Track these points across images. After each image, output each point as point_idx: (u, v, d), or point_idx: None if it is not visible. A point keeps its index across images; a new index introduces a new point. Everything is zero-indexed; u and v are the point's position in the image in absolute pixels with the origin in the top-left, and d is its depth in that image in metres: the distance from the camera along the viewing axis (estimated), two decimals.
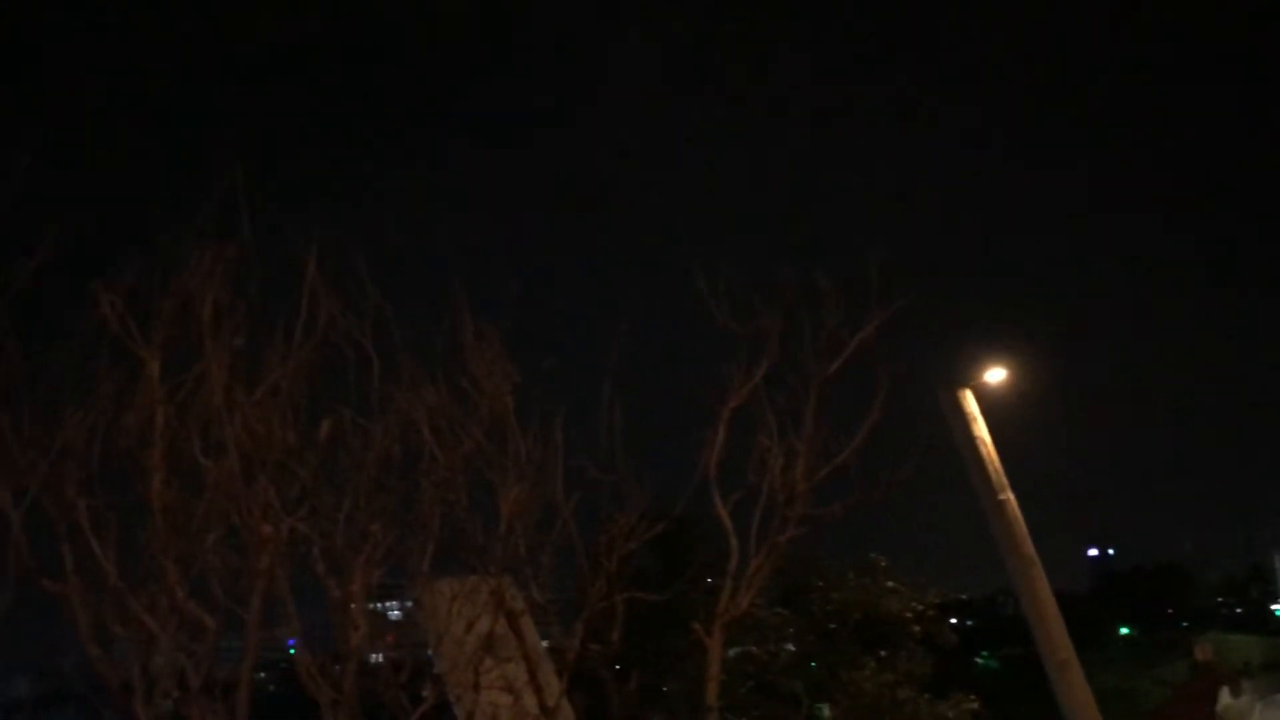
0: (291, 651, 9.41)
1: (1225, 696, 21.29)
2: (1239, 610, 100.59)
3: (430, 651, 10.72)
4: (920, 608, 25.39)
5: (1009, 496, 18.00)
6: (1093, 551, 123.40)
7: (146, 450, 7.92)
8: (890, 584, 25.16)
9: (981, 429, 18.68)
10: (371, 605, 11.01)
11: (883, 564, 25.41)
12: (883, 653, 25.43)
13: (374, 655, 9.64)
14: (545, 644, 11.00)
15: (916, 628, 25.67)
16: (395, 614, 12.58)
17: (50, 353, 8.53)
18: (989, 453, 18.38)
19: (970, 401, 18.80)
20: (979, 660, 56.95)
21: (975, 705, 24.33)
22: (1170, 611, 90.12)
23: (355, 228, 9.44)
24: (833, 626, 24.81)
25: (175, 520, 7.79)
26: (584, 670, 9.78)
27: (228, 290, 8.70)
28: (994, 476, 18.27)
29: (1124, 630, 79.95)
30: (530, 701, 11.10)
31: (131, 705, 7.93)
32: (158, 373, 8.00)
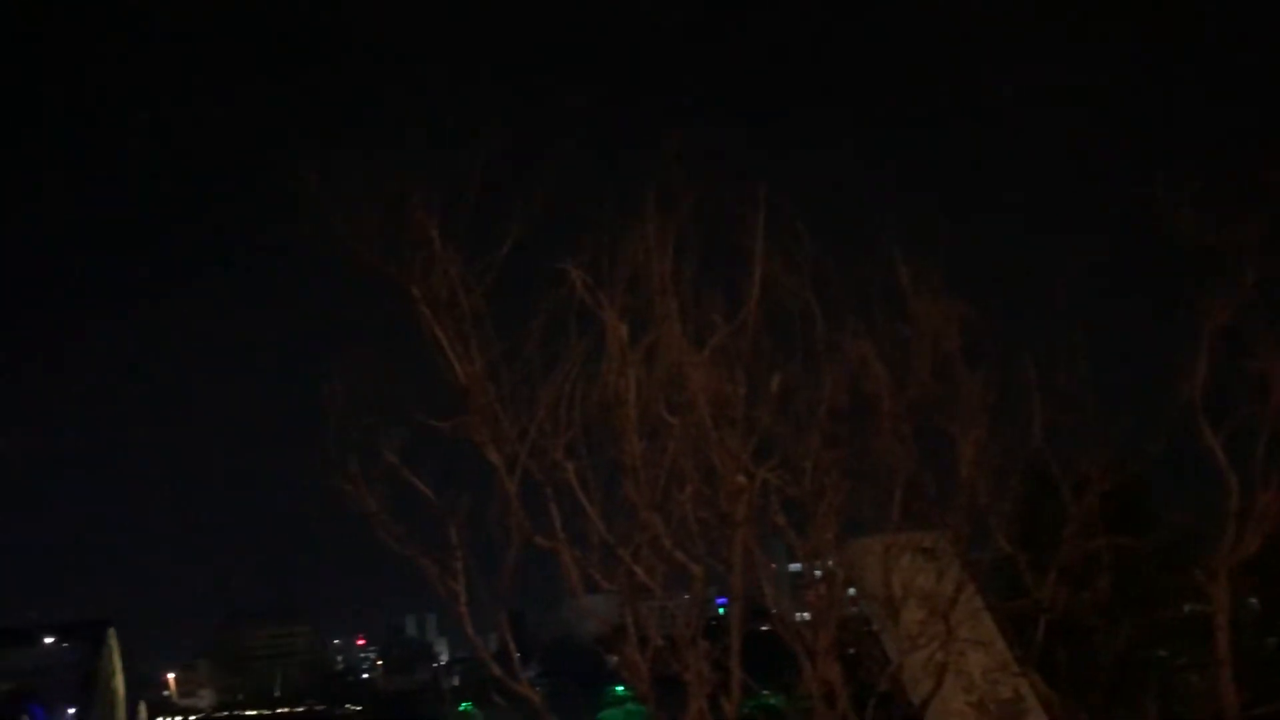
0: (721, 611, 9.61)
1: None
2: None
3: (859, 607, 10.52)
4: None
5: None
6: None
7: (621, 410, 8.34)
8: None
9: None
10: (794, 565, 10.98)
11: None
12: None
13: (799, 614, 9.64)
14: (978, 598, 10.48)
15: None
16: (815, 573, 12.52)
17: (523, 328, 9.22)
18: None
19: None
20: None
21: None
22: None
23: (787, 185, 9.39)
24: None
25: (653, 475, 8.15)
26: (1066, 622, 9.18)
27: (673, 256, 8.99)
28: None
29: None
30: (1002, 654, 10.65)
31: (626, 653, 8.39)
32: (626, 335, 8.40)
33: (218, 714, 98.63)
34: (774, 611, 8.73)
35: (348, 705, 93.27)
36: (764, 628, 9.57)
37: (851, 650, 9.59)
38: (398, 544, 8.81)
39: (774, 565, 9.62)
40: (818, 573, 9.37)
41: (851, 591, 10.14)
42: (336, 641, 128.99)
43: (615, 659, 8.00)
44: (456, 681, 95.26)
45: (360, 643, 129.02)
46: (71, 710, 59.09)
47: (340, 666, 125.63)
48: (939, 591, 9.50)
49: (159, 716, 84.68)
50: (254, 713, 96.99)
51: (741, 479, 7.89)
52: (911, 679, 9.89)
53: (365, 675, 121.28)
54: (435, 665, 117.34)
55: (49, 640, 64.67)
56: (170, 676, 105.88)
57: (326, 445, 8.87)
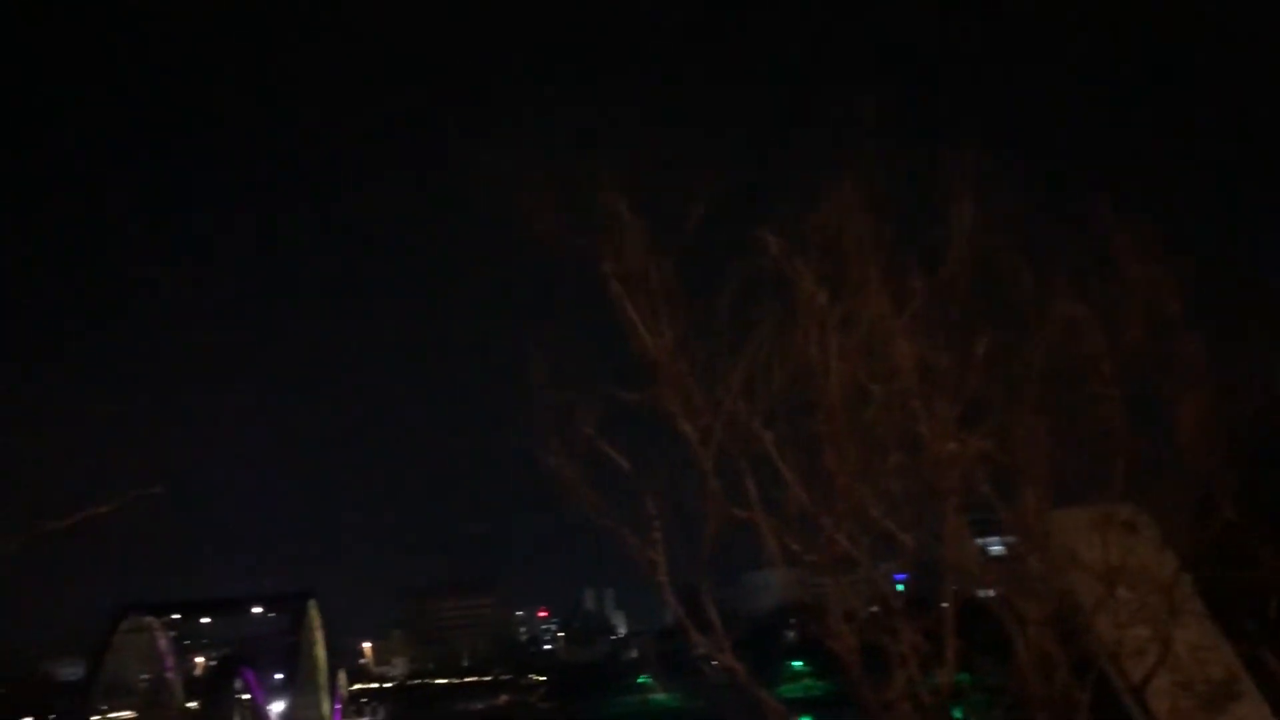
0: (900, 588, 9.27)
1: None
2: None
3: (1054, 583, 10.01)
4: None
5: None
6: None
7: (821, 378, 8.17)
8: None
9: None
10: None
11: None
12: None
13: (984, 591, 9.23)
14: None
15: None
16: (997, 548, 12.02)
17: (714, 298, 9.12)
18: None
19: None
20: None
21: None
22: None
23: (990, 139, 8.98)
24: None
25: (854, 444, 7.95)
26: None
27: (869, 218, 8.74)
28: None
29: None
30: (1212, 631, 10.09)
31: (830, 624, 8.25)
32: (825, 299, 8.21)
33: (411, 682, 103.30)
34: (981, 585, 8.41)
35: (532, 675, 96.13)
36: (943, 604, 9.23)
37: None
38: (597, 515, 8.90)
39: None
40: (997, 548, 8.99)
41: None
42: (519, 613, 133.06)
43: (791, 634, 7.86)
44: (635, 654, 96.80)
45: (542, 615, 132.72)
46: (278, 675, 62.71)
47: (524, 638, 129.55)
48: (1155, 566, 8.99)
49: (357, 683, 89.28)
50: (444, 681, 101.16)
51: (952, 446, 7.60)
52: (1126, 655, 9.40)
53: (547, 646, 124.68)
54: (614, 638, 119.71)
55: (257, 610, 68.92)
56: (367, 646, 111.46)
57: (527, 420, 9.04)
